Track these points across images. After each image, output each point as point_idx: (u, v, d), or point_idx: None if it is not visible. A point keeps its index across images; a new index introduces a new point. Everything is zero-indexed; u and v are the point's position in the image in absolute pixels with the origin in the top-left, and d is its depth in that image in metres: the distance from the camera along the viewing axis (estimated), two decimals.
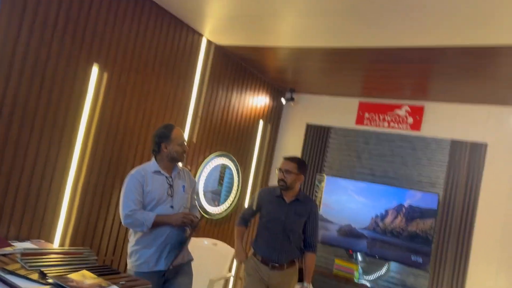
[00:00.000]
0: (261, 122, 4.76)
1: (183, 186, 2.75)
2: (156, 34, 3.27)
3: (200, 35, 3.68)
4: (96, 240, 3.05)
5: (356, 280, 4.14)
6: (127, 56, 3.08)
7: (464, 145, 4.03)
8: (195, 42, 3.65)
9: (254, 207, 3.19)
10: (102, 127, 2.98)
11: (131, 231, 2.67)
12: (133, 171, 2.68)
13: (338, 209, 4.35)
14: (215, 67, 3.91)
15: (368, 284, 4.11)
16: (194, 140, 3.82)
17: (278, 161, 5.00)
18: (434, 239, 3.95)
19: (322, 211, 4.43)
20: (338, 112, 4.72)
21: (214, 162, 4.14)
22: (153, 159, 2.75)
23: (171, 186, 2.68)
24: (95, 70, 2.88)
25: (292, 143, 4.96)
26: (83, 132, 2.87)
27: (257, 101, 4.62)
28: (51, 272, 2.16)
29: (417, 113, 4.25)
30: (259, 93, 4.64)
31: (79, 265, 2.38)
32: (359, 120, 4.56)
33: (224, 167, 4.29)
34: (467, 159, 3.99)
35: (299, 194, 3.05)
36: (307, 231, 3.05)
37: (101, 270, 2.34)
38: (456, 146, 4.06)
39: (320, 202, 4.47)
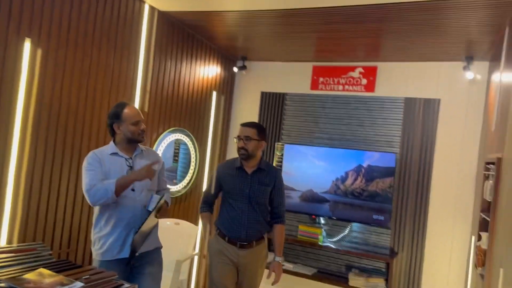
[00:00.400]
0: (214, 94, 4.57)
1: None
2: (93, 1, 2.96)
3: (142, 1, 3.40)
4: (48, 233, 2.80)
5: (320, 243, 4.19)
6: (62, 28, 2.76)
7: (417, 102, 4.09)
8: (136, 8, 3.36)
9: (214, 187, 2.95)
10: (42, 110, 2.68)
11: (94, 217, 2.49)
12: (89, 153, 2.49)
13: (299, 176, 4.32)
14: (160, 36, 3.65)
15: (332, 246, 4.16)
16: (144, 117, 3.59)
17: (234, 133, 4.87)
18: (393, 197, 4.04)
19: (283, 179, 4.38)
20: (292, 78, 4.62)
21: (169, 138, 3.94)
22: (111, 141, 2.57)
23: (131, 167, 2.49)
24: (27, 46, 2.56)
25: (247, 113, 4.83)
26: (21, 117, 2.57)
27: (208, 71, 4.42)
28: (2, 274, 1.95)
29: (371, 74, 4.25)
30: (210, 62, 4.43)
31: (34, 262, 2.16)
32: (314, 84, 4.50)
33: (178, 143, 4.10)
34: (421, 116, 4.06)
35: (260, 162, 2.85)
36: (273, 201, 2.88)
37: (60, 266, 2.14)
38: (410, 103, 4.11)
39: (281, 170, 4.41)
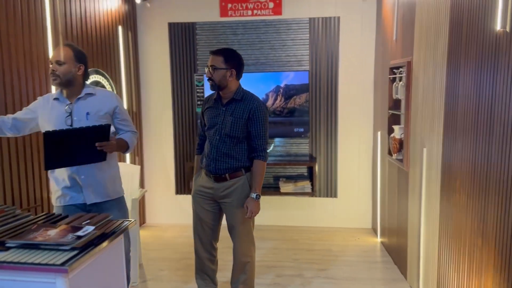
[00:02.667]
0: (120, 29, 4.33)
1: (87, 113, 2.44)
2: None
3: None
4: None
5: None
6: None
7: (320, 21, 4.48)
8: None
9: (201, 121, 2.89)
10: None
11: None
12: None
13: None
14: None
15: None
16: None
17: (145, 68, 4.75)
18: (309, 110, 4.52)
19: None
20: (200, 6, 4.59)
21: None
22: None
23: (70, 114, 2.39)
24: None
25: (157, 47, 4.71)
26: None
27: (110, 5, 4.13)
28: (3, 236, 1.86)
29: None
30: None
31: (15, 222, 2.07)
32: (223, 11, 4.55)
33: (95, 84, 3.89)
34: (325, 34, 4.49)
35: (236, 93, 2.67)
36: (250, 135, 2.67)
37: (48, 219, 2.11)
38: (314, 23, 4.49)
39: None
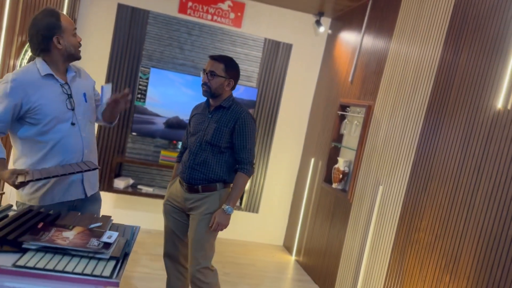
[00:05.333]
0: (66, 4, 3.83)
1: (84, 94, 2.19)
2: None
3: None
4: None
5: None
6: None
7: (274, 44, 4.65)
8: None
9: (187, 129, 2.73)
10: None
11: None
12: (7, 77, 1.97)
13: (165, 102, 4.30)
14: None
15: None
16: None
17: (85, 48, 4.24)
18: None
19: (147, 104, 4.27)
20: None
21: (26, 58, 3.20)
22: (37, 60, 2.06)
23: (69, 96, 2.09)
24: None
25: (99, 27, 4.26)
26: None
27: None
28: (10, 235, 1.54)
29: (239, 10, 4.49)
30: None
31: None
32: (182, 8, 4.38)
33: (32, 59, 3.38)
34: (276, 56, 4.67)
35: (225, 100, 2.56)
36: (234, 147, 2.54)
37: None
38: (269, 44, 4.63)
39: (145, 95, 4.26)
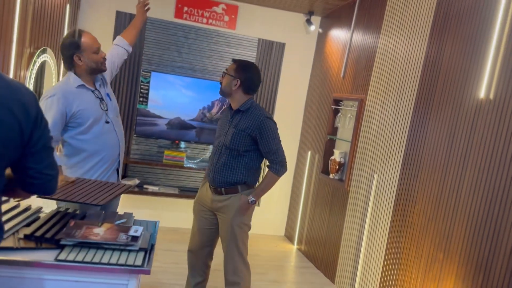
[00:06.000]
0: (68, 8, 3.98)
1: (108, 94, 2.54)
2: None
3: None
4: None
5: (184, 165, 4.62)
6: None
7: (268, 44, 4.83)
8: None
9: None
10: None
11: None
12: (49, 92, 2.29)
13: (166, 104, 4.48)
14: None
15: (194, 166, 4.68)
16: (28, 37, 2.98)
17: None
18: None
19: (149, 106, 4.45)
20: (155, 2, 4.47)
21: (39, 61, 3.36)
22: (70, 74, 2.40)
23: (101, 99, 2.44)
24: None
25: (99, 33, 4.40)
26: None
27: None
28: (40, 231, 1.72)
29: (233, 12, 4.66)
30: None
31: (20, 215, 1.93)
32: (178, 13, 4.55)
33: (42, 65, 3.53)
34: (270, 55, 4.85)
35: (243, 104, 2.63)
36: (262, 149, 2.64)
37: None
38: (262, 44, 4.82)
39: (147, 98, 4.43)
